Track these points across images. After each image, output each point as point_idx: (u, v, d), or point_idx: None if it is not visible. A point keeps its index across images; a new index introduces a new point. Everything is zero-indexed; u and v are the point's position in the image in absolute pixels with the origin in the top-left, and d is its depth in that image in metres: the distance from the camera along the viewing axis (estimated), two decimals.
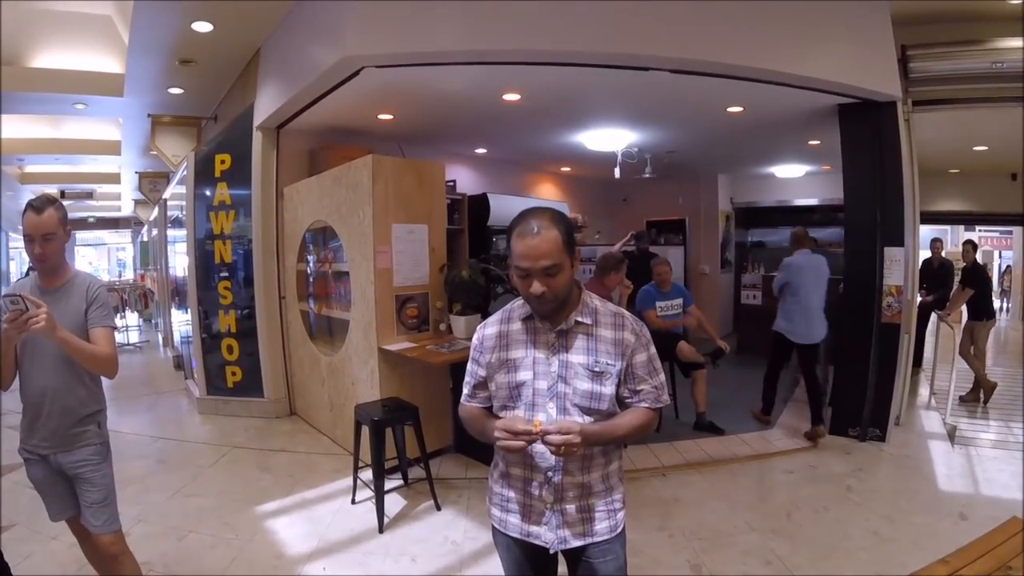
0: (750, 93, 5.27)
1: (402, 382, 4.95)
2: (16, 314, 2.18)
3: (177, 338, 9.60)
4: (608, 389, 1.82)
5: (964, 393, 6.94)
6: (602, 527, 1.87)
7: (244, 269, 6.60)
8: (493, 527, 2.01)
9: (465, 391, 2.02)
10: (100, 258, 26.49)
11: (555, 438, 1.64)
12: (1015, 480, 4.60)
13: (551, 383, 1.81)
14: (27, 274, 9.67)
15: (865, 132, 5.46)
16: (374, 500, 4.07)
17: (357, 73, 4.78)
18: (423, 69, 4.79)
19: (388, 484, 4.24)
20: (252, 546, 3.81)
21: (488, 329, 1.96)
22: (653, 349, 1.91)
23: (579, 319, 1.83)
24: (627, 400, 1.88)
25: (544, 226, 1.71)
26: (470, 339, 5.12)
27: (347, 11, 4.55)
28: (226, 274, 6.61)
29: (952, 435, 5.66)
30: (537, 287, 1.71)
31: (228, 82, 7.26)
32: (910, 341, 5.64)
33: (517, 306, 1.93)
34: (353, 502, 4.40)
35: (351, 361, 5.32)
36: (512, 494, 1.92)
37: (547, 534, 1.85)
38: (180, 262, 8.43)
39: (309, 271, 6.38)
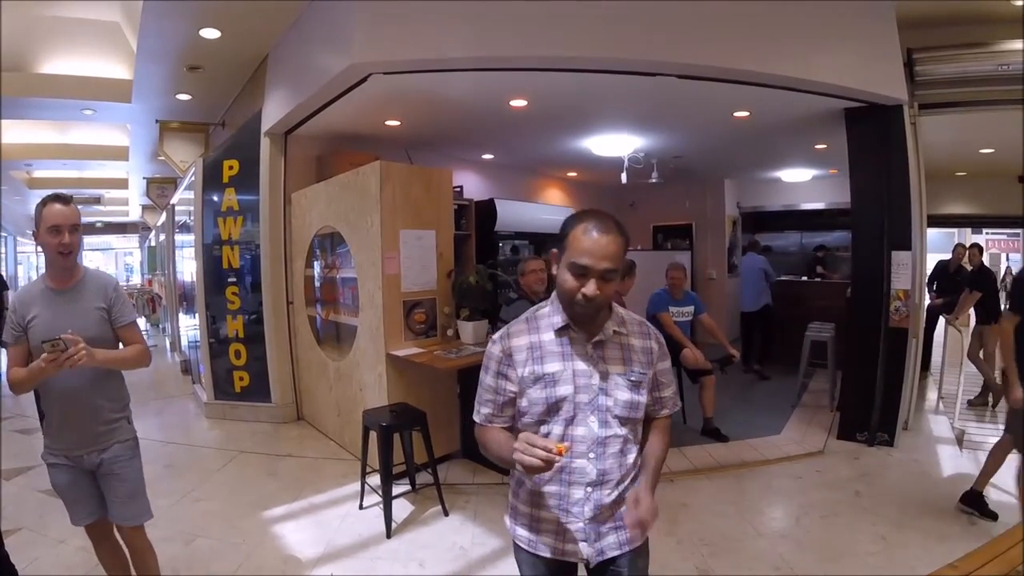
0: (756, 98, 5.27)
1: (410, 387, 4.95)
2: (56, 354, 2.24)
3: (185, 343, 9.62)
4: (644, 398, 1.79)
5: (973, 397, 6.91)
6: (635, 532, 1.80)
7: (252, 274, 6.61)
8: (518, 546, 1.90)
9: (486, 411, 1.84)
10: (108, 263, 26.61)
11: (642, 519, 1.66)
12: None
13: (592, 396, 1.73)
14: None
15: (872, 136, 5.45)
16: (382, 505, 4.08)
17: (365, 79, 4.80)
18: (430, 75, 4.83)
19: (396, 489, 4.26)
20: (260, 550, 3.82)
21: (515, 340, 1.80)
22: (669, 357, 1.93)
23: (615, 328, 1.77)
24: (650, 408, 1.86)
25: (614, 229, 1.64)
26: (478, 345, 5.09)
27: (355, 17, 4.58)
28: (234, 279, 6.63)
29: (960, 439, 5.63)
30: (592, 288, 1.61)
31: (236, 88, 7.30)
32: (918, 345, 5.62)
33: (543, 314, 1.82)
34: (361, 507, 4.40)
35: (359, 366, 5.33)
36: (544, 513, 1.80)
37: (586, 549, 1.77)
38: (188, 267, 8.46)
39: (317, 276, 6.41)
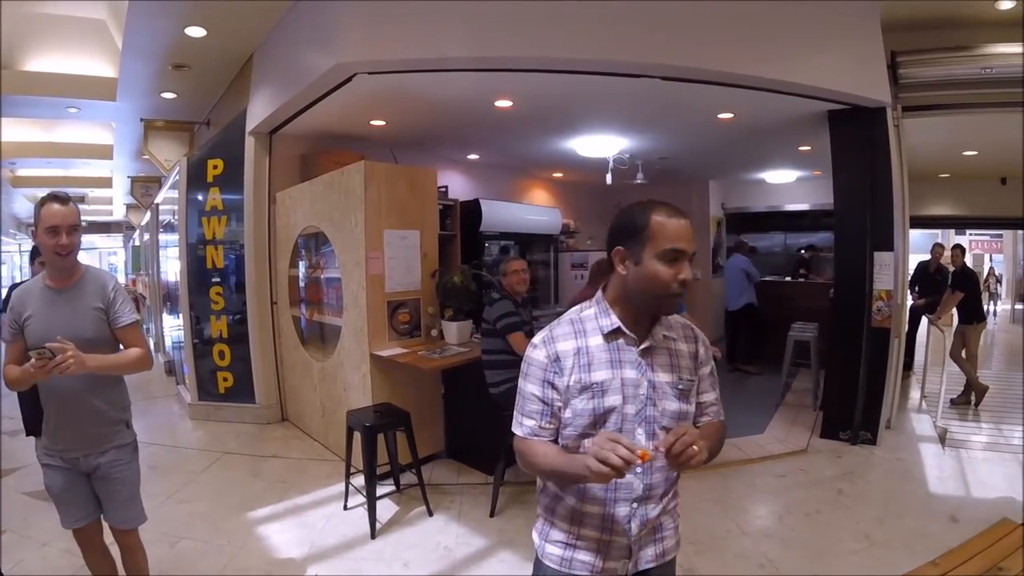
0: (741, 100, 5.29)
1: (394, 388, 4.94)
2: (44, 362, 2.22)
3: (168, 343, 9.57)
4: (692, 407, 1.71)
5: (955, 396, 6.98)
6: (671, 544, 1.80)
7: (236, 274, 6.58)
8: (544, 563, 1.77)
9: (531, 423, 1.68)
10: (91, 262, 26.14)
11: (686, 450, 1.42)
12: (1005, 482, 4.63)
13: (640, 407, 1.62)
14: None
15: (855, 138, 5.49)
16: (366, 506, 4.07)
17: (350, 79, 4.79)
18: (416, 75, 4.82)
19: (380, 490, 4.25)
20: (244, 552, 3.80)
21: (560, 345, 1.66)
22: (713, 361, 1.84)
23: (664, 333, 1.68)
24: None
25: (684, 213, 1.59)
26: (462, 345, 5.06)
27: (340, 17, 4.57)
28: (218, 279, 6.59)
29: (943, 438, 5.69)
30: (688, 271, 1.55)
31: (221, 87, 7.24)
32: (900, 345, 5.67)
33: (588, 316, 1.70)
34: (345, 508, 4.39)
35: (343, 367, 5.32)
36: (586, 531, 1.69)
37: (627, 564, 1.71)
38: (172, 267, 8.41)
39: (301, 277, 6.38)
